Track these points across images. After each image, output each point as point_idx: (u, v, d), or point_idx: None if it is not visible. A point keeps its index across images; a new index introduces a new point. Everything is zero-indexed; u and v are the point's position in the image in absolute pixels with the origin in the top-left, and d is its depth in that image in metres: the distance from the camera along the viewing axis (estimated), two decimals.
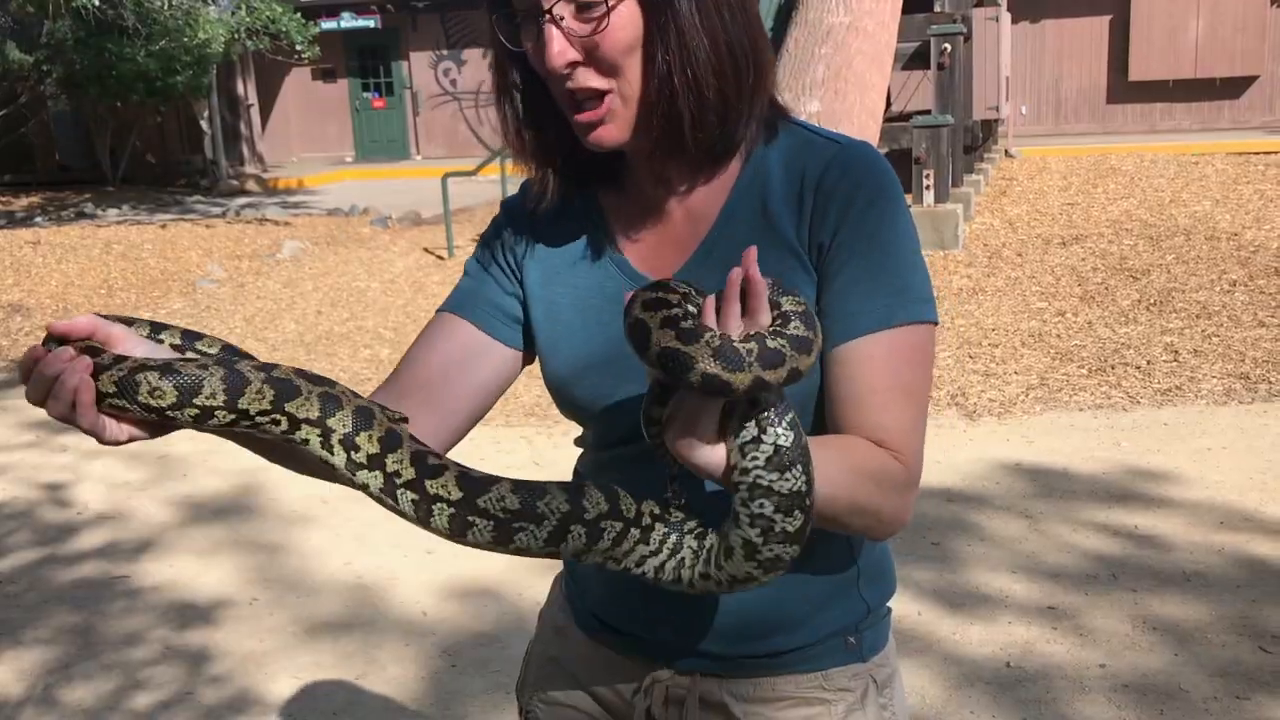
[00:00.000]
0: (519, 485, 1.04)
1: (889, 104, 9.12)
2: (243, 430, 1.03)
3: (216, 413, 1.00)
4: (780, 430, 0.97)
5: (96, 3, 11.95)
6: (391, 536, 4.41)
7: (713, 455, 0.99)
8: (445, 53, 21.14)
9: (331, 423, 1.03)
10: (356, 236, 12.38)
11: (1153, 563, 3.86)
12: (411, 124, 21.63)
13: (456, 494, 1.03)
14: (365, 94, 21.78)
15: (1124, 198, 10.40)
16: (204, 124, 19.41)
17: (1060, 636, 3.41)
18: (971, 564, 3.91)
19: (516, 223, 1.33)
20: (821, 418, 1.19)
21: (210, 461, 5.47)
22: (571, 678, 1.39)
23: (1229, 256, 8.21)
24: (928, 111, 9.47)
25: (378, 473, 1.04)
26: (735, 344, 0.92)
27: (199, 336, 1.23)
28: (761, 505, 0.98)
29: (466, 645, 3.57)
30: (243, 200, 17.37)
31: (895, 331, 1.14)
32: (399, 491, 1.03)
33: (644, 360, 0.95)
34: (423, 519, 1.03)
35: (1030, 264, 8.33)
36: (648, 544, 1.07)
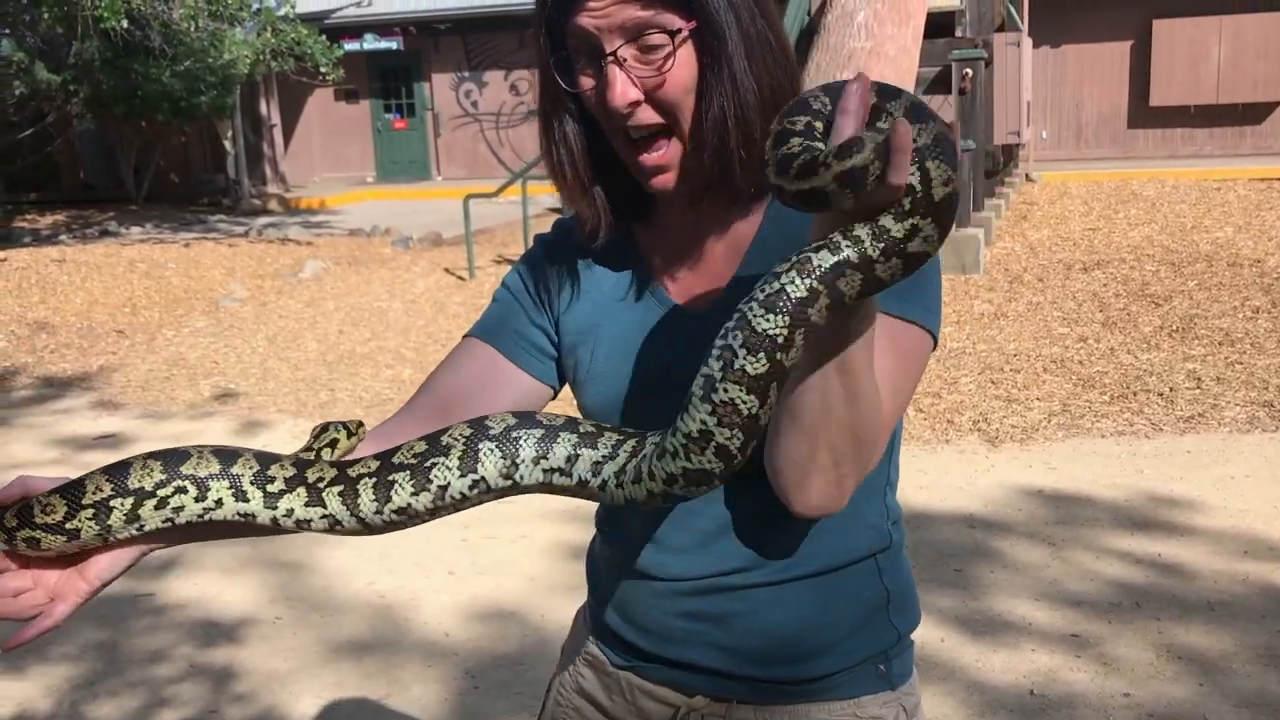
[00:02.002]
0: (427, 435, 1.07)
1: None
2: (158, 518, 1.04)
3: (112, 504, 1.03)
4: (792, 276, 0.93)
5: (125, 24, 12.07)
6: (414, 556, 4.43)
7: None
8: (467, 74, 21.28)
9: (236, 469, 1.05)
10: (378, 256, 12.46)
11: (1176, 591, 3.84)
12: (433, 145, 21.76)
13: (374, 464, 1.06)
14: (387, 115, 21.93)
15: (1145, 223, 10.39)
16: (227, 144, 19.58)
17: (1084, 665, 3.39)
18: (994, 591, 3.91)
19: (552, 256, 1.35)
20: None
21: None
22: (599, 709, 1.39)
23: (1252, 283, 8.19)
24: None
25: (300, 489, 1.06)
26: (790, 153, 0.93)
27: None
28: (734, 336, 0.94)
29: (489, 667, 3.58)
30: (265, 220, 17.50)
31: (899, 322, 1.15)
32: (325, 494, 1.05)
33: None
34: (351, 507, 1.05)
35: (1052, 289, 8.32)
36: (594, 448, 1.05)
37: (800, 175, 0.92)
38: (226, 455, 1.06)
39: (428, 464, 1.04)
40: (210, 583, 4.30)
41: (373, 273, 11.05)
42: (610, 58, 1.12)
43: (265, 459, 1.07)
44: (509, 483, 1.05)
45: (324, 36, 16.16)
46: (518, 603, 4.01)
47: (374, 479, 1.04)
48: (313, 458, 1.15)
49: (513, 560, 4.36)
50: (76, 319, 9.62)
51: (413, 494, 1.04)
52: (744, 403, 0.95)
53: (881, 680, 1.29)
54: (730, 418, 0.96)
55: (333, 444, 1.20)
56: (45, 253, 11.97)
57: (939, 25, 8.86)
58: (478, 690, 3.44)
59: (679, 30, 1.12)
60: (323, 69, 16.01)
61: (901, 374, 1.15)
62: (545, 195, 13.94)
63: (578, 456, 1.05)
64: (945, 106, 10.48)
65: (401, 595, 4.12)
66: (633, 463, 1.03)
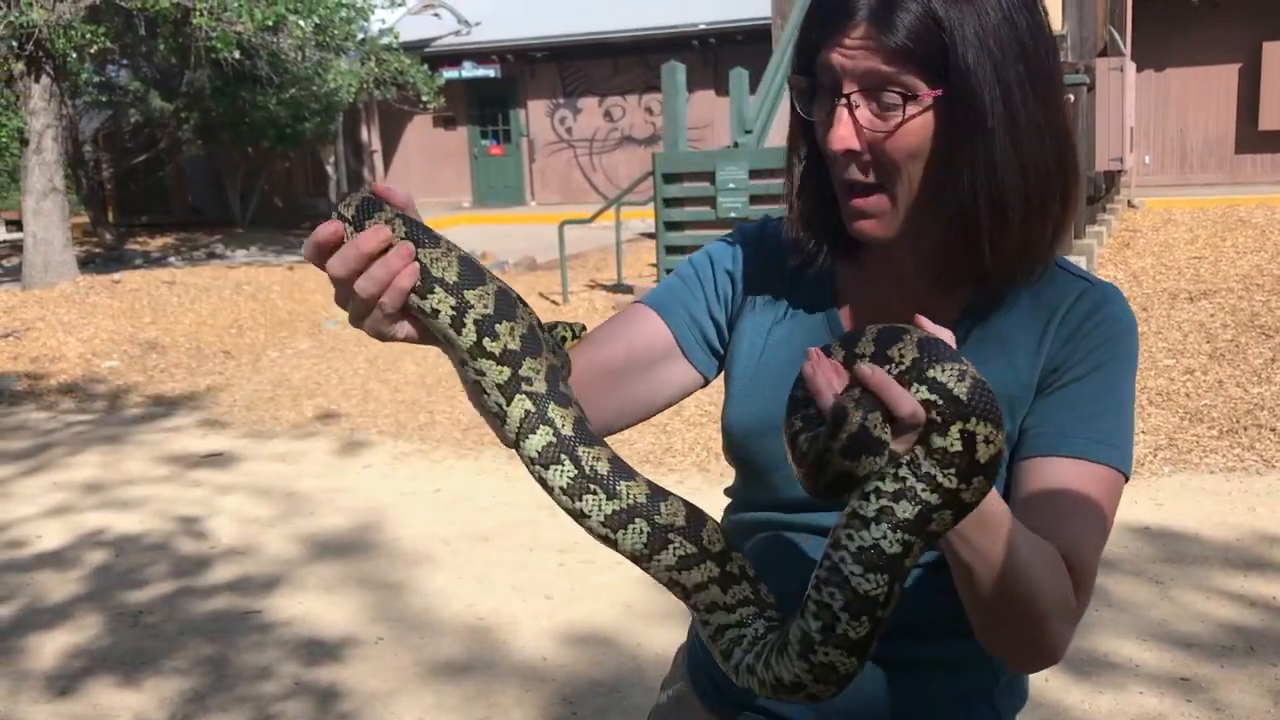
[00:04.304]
0: (619, 461, 1.01)
1: None
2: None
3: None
4: (884, 529, 0.90)
5: (237, 55, 12.49)
6: (511, 580, 4.49)
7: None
8: (562, 101, 21.55)
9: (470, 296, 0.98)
10: None
11: None
12: (527, 170, 22.05)
13: (568, 431, 1.00)
14: (484, 141, 22.29)
15: (1254, 251, 10.09)
16: (329, 169, 20.09)
17: (1195, 710, 3.30)
18: (1099, 630, 3.82)
19: (748, 254, 1.33)
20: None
21: (336, 500, 5.63)
22: None
23: None
24: None
25: (505, 369, 0.99)
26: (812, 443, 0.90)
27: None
28: (833, 595, 0.91)
29: (586, 693, 3.60)
30: None
31: (1100, 468, 1.13)
32: (517, 396, 0.99)
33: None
34: (523, 433, 1.00)
35: (1156, 319, 8.12)
36: (725, 592, 1.03)
37: (818, 471, 0.89)
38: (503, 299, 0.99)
39: (589, 487, 1.00)
40: (314, 601, 4.40)
41: None
42: (843, 100, 1.10)
43: (509, 317, 0.99)
44: (632, 561, 1.03)
45: (424, 65, 16.52)
46: (614, 629, 4.03)
47: (553, 440, 0.99)
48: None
49: (609, 587, 4.39)
50: (185, 339, 9.93)
51: (560, 491, 1.00)
52: (843, 664, 0.93)
53: None
54: (827, 676, 0.94)
55: (561, 342, 1.20)
56: (156, 274, 12.39)
57: None
58: (575, 717, 3.46)
59: (917, 96, 1.08)
60: (424, 97, 16.36)
61: (1107, 518, 1.12)
62: (638, 220, 14.03)
63: (705, 587, 1.03)
64: None
65: (499, 618, 4.17)
66: (733, 633, 1.03)
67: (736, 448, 1.29)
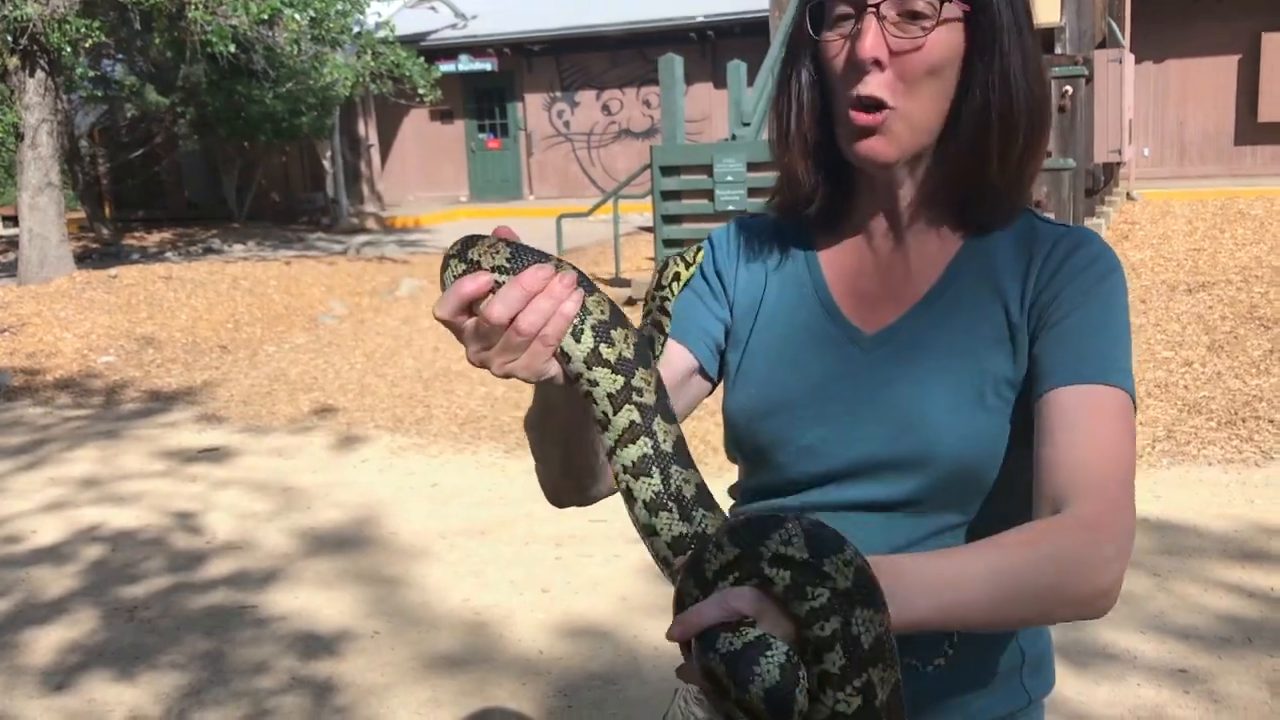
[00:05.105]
0: (705, 489, 0.99)
1: None
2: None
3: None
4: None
5: (232, 49, 12.45)
6: (508, 574, 4.48)
7: None
8: (559, 94, 21.51)
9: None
10: None
11: None
12: (525, 164, 22.02)
13: (667, 447, 0.98)
14: (481, 135, 22.25)
15: (1253, 243, 10.07)
16: (326, 163, 20.05)
17: (1193, 701, 3.29)
18: (1097, 622, 3.79)
19: (739, 245, 1.33)
20: (1014, 464, 1.15)
21: (333, 494, 5.62)
22: None
23: None
24: (1049, 155, 9.33)
25: (619, 377, 0.98)
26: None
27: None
28: None
29: (582, 686, 3.59)
30: (363, 238, 17.88)
31: (1111, 390, 1.12)
32: (625, 406, 0.98)
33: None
34: (623, 442, 0.98)
35: (1155, 311, 8.11)
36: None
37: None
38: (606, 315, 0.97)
39: (664, 504, 0.98)
40: (311, 596, 4.39)
41: None
42: (873, 9, 1.10)
43: (616, 327, 0.97)
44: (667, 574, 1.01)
45: (421, 58, 16.48)
46: (611, 622, 4.02)
47: (650, 453, 0.98)
48: (666, 294, 1.18)
49: (606, 580, 4.38)
50: (182, 334, 9.91)
51: (642, 504, 0.99)
52: None
53: None
54: None
55: (676, 278, 1.22)
56: (153, 269, 12.36)
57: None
58: (571, 709, 3.45)
59: (948, 3, 1.10)
60: (420, 90, 16.32)
61: (1128, 442, 1.11)
62: (636, 215, 14.00)
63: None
64: None
65: (496, 612, 4.16)
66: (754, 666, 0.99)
67: (740, 431, 1.28)
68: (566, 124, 21.62)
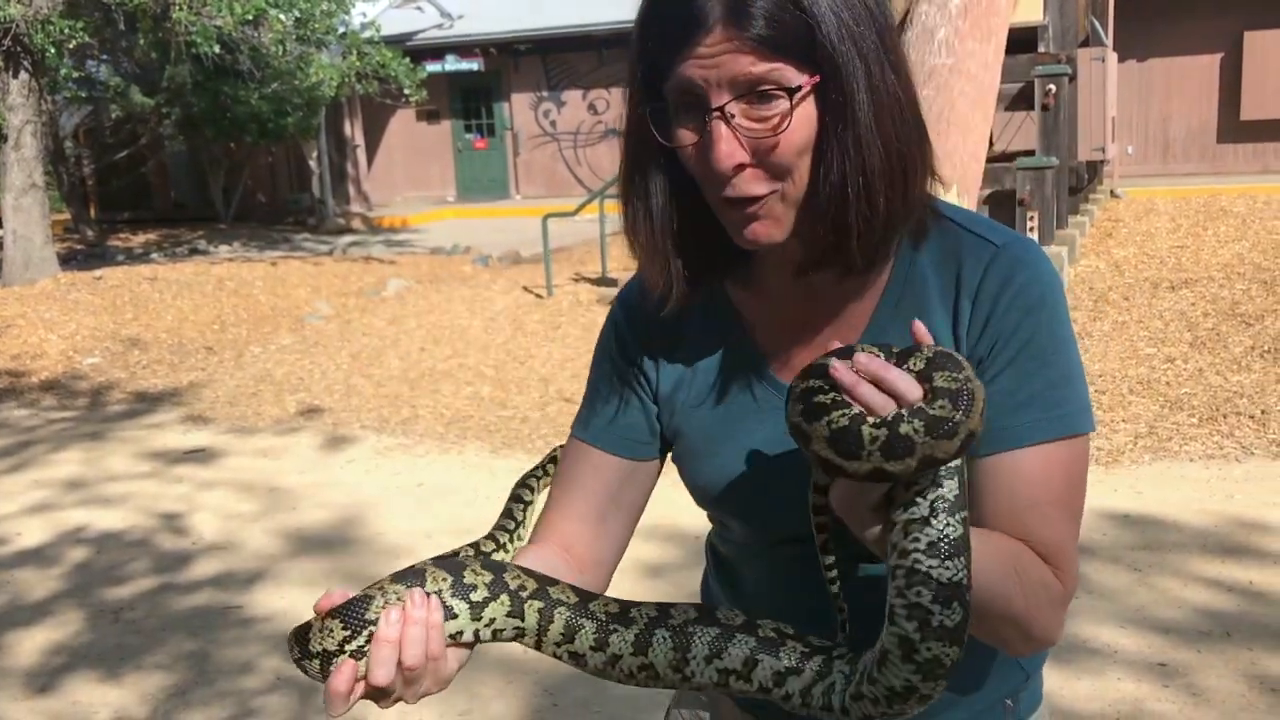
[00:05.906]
0: (621, 600, 1.07)
1: (991, 144, 9.04)
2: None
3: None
4: (944, 519, 0.92)
5: (217, 49, 12.42)
6: None
7: (874, 531, 0.96)
8: (545, 94, 21.50)
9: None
10: (458, 275, 12.63)
11: (1268, 620, 3.74)
12: (512, 164, 22.01)
13: (573, 598, 1.05)
14: (467, 135, 22.23)
15: (1236, 240, 10.13)
16: (312, 164, 20.01)
17: (1172, 695, 3.32)
18: (1078, 616, 3.84)
19: (641, 322, 1.27)
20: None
21: (319, 495, 5.62)
22: None
23: None
24: (1031, 152, 9.36)
25: (504, 596, 1.04)
26: (861, 429, 0.90)
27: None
28: (919, 593, 0.92)
29: (567, 685, 3.60)
30: (349, 238, 17.85)
31: (1052, 446, 1.08)
32: (526, 605, 1.04)
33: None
34: (542, 630, 1.04)
35: (1138, 308, 8.16)
36: (777, 658, 1.03)
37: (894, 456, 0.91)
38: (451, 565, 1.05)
39: (610, 629, 1.04)
40: (297, 596, 4.40)
41: (453, 291, 11.20)
42: (717, 113, 1.01)
43: (461, 568, 1.04)
44: (679, 675, 1.04)
45: (407, 58, 16.46)
46: None
47: (569, 613, 1.04)
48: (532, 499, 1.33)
49: None
50: (168, 335, 9.89)
51: (591, 648, 1.04)
52: (946, 655, 0.94)
53: (1009, 714, 1.29)
54: (934, 671, 0.94)
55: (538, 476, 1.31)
56: (138, 270, 12.33)
57: (1022, 41, 8.75)
58: (556, 708, 3.46)
59: (799, 88, 1.00)
60: (406, 90, 16.30)
61: (1072, 491, 1.10)
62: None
63: (757, 662, 1.03)
64: (1029, 122, 10.35)
65: None
66: (820, 687, 1.02)
67: (709, 502, 1.27)
68: (553, 123, 21.61)
